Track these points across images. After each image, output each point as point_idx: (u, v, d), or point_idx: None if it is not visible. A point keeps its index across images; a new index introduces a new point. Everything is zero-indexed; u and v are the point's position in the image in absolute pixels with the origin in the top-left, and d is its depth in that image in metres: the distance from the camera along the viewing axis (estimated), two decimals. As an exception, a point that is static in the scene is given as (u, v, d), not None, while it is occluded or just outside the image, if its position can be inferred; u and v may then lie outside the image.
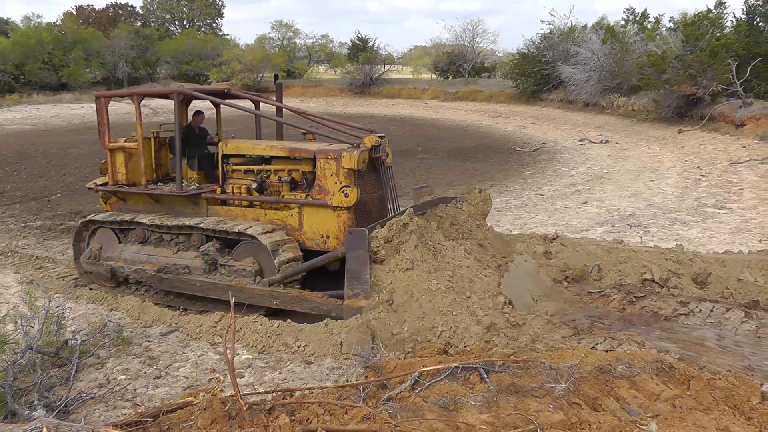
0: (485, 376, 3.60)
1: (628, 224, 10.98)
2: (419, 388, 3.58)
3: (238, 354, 5.95)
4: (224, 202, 7.64)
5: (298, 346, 5.91)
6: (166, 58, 49.30)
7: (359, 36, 49.32)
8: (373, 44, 48.62)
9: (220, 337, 6.33)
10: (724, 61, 20.36)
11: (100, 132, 8.03)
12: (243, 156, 7.67)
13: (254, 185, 7.32)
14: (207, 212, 7.68)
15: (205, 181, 8.06)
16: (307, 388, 3.83)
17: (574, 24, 35.68)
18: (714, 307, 6.91)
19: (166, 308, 7.21)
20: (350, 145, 7.01)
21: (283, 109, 8.48)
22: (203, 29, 59.01)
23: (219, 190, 7.60)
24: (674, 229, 10.65)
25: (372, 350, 5.48)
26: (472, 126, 28.43)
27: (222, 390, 4.56)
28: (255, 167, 7.49)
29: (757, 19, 22.97)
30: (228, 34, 63.96)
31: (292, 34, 53.30)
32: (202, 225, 7.30)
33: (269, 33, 53.47)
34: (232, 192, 7.48)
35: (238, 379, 5.44)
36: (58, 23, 49.31)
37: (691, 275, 7.59)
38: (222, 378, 5.33)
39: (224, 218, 7.49)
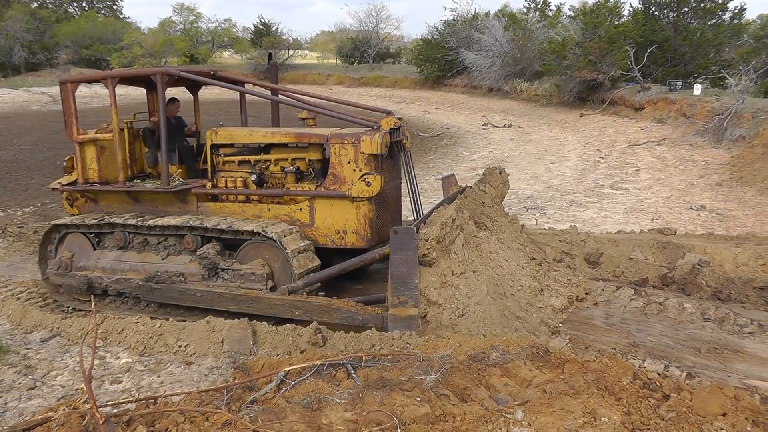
0: (352, 371, 3.44)
1: (525, 207, 11.10)
2: (285, 388, 3.39)
3: (118, 357, 5.65)
4: (215, 198, 6.91)
5: (180, 346, 5.62)
6: (65, 42, 46.83)
7: (262, 20, 48.68)
8: (277, 29, 48.09)
9: (102, 340, 5.93)
10: (623, 47, 21.07)
11: (67, 123, 7.07)
12: (235, 145, 6.94)
13: (254, 177, 6.65)
14: (198, 210, 6.91)
15: (187, 176, 7.32)
16: (170, 395, 3.57)
17: (477, 11, 36.43)
18: (605, 286, 7.07)
19: (50, 312, 6.66)
20: (368, 129, 6.41)
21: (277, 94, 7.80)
22: (103, 12, 56.57)
23: (209, 184, 6.86)
24: (570, 210, 10.85)
25: (254, 347, 5.24)
26: (376, 112, 28.41)
27: (86, 402, 4.20)
28: (251, 157, 6.79)
29: (653, 9, 23.98)
30: (129, 17, 61.47)
31: (194, 17, 52.08)
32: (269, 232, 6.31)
33: (171, 16, 51.96)
34: (226, 186, 6.77)
35: (116, 385, 5.16)
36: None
37: (584, 255, 7.72)
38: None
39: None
